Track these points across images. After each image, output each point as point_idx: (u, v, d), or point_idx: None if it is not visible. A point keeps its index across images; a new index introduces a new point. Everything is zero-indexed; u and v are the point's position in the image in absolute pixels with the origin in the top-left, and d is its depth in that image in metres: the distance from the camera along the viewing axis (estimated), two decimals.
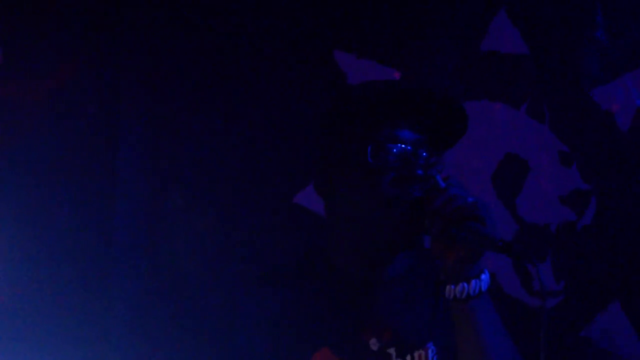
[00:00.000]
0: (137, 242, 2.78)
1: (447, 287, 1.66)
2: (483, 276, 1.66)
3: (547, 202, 2.96)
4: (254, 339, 1.78)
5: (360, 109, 1.79)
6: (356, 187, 1.76)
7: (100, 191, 2.77)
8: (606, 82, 3.00)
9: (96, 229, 2.77)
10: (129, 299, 2.72)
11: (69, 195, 2.79)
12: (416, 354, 1.76)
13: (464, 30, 2.99)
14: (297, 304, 1.79)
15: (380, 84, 1.88)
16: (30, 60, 2.85)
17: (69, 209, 2.78)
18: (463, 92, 2.97)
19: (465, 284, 1.64)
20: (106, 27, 2.88)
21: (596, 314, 2.88)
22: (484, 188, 2.95)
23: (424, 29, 2.98)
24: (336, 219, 1.83)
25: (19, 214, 2.75)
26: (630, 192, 2.92)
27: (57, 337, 2.67)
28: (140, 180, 2.80)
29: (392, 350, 1.75)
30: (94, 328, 2.69)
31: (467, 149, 2.92)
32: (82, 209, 2.77)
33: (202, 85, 2.90)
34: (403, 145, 1.73)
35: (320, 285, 1.81)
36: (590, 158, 2.98)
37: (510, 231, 2.93)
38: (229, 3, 2.93)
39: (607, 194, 2.95)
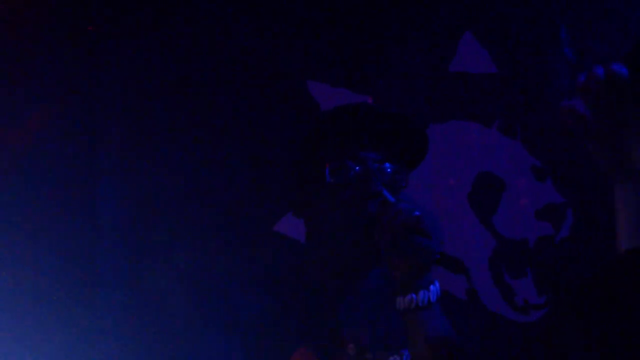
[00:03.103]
0: (120, 276, 2.79)
1: (397, 298, 1.70)
2: (432, 287, 1.70)
3: (523, 217, 3.00)
4: (237, 338, 1.82)
5: (321, 131, 1.86)
6: (321, 206, 1.82)
7: (83, 225, 2.78)
8: (574, 96, 3.05)
9: (80, 264, 2.78)
10: (114, 333, 2.73)
11: (51, 230, 2.80)
12: (392, 359, 1.80)
13: (432, 54, 3.04)
14: (280, 308, 1.84)
15: (339, 108, 1.93)
16: (9, 102, 2.88)
17: (51, 243, 2.80)
18: (435, 114, 3.02)
19: (414, 295, 1.68)
20: (85, 64, 2.90)
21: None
22: (460, 206, 2.99)
23: (393, 55, 3.02)
24: (309, 236, 1.90)
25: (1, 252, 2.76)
26: (605, 202, 2.97)
27: None
28: (122, 215, 2.81)
29: (369, 356, 1.80)
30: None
31: (441, 168, 2.97)
32: (65, 246, 2.78)
33: (180, 117, 2.93)
34: (362, 164, 1.79)
35: (303, 291, 1.86)
36: (563, 171, 3.03)
37: (488, 248, 2.97)
38: (206, 39, 2.97)
39: (583, 206, 3.00)
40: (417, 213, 1.67)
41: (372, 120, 1.84)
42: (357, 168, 1.80)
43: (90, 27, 2.86)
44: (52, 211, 2.74)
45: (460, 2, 3.06)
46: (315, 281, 1.87)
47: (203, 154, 2.89)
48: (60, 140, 2.79)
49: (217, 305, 1.90)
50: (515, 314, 2.92)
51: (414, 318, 1.68)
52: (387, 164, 1.82)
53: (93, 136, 2.81)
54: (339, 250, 1.81)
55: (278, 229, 2.90)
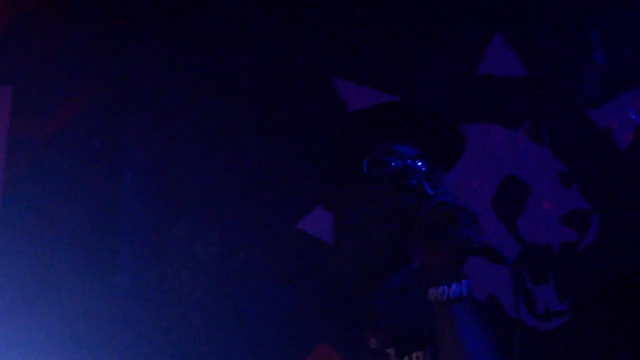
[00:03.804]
0: (142, 272, 2.81)
1: (429, 290, 1.70)
2: (465, 281, 1.70)
3: (548, 222, 2.98)
4: (258, 333, 1.83)
5: (359, 126, 1.87)
6: (356, 200, 1.82)
7: (106, 222, 2.80)
8: (604, 102, 3.03)
9: (102, 259, 2.80)
10: (134, 330, 2.74)
11: (74, 226, 2.83)
12: (414, 356, 1.80)
13: (461, 55, 3.02)
14: (302, 302, 1.84)
15: (379, 104, 1.95)
16: (38, 98, 2.91)
17: (75, 239, 2.82)
18: (462, 116, 3.00)
19: (447, 287, 1.69)
20: (110, 63, 2.92)
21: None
22: (484, 210, 2.97)
23: (422, 56, 3.01)
24: (340, 230, 1.90)
25: (25, 248, 2.79)
26: (631, 210, 2.94)
27: None
28: (145, 210, 2.82)
29: (391, 350, 1.80)
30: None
31: (467, 171, 2.96)
32: (87, 242, 2.81)
33: (206, 115, 2.94)
34: (399, 159, 1.80)
35: (326, 286, 1.87)
36: (590, 178, 3.00)
37: (511, 252, 2.95)
38: (232, 36, 2.97)
39: (609, 213, 2.97)
40: (458, 204, 1.69)
41: (409, 117, 1.86)
42: (394, 163, 1.81)
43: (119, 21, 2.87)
44: (76, 211, 2.77)
45: (491, 4, 3.04)
46: (341, 275, 1.87)
47: (229, 149, 2.89)
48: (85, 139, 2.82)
49: (238, 299, 1.91)
50: (536, 321, 2.90)
51: (444, 311, 1.69)
52: (423, 161, 1.83)
53: (118, 134, 2.82)
54: (370, 244, 1.82)
55: (301, 226, 2.90)
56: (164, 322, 2.73)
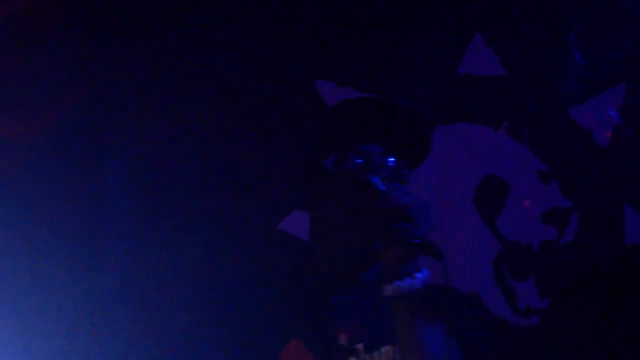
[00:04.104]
0: (127, 274, 2.82)
1: (385, 285, 1.73)
2: (419, 275, 1.73)
3: (528, 220, 3.01)
4: (236, 330, 1.86)
5: (325, 124, 1.90)
6: (324, 199, 1.85)
7: (90, 224, 2.81)
8: (583, 100, 3.05)
9: (87, 261, 2.81)
10: (119, 331, 2.76)
11: (59, 227, 2.83)
12: (384, 349, 1.83)
13: (441, 55, 3.04)
14: (276, 299, 1.88)
15: (343, 102, 1.97)
16: (21, 99, 2.91)
17: (60, 243, 2.83)
18: (443, 116, 3.03)
19: (400, 282, 1.71)
20: (93, 64, 2.92)
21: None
22: (465, 208, 2.99)
23: (402, 56, 3.03)
24: (312, 230, 1.94)
25: (10, 249, 2.80)
26: (610, 207, 2.97)
27: None
28: (129, 212, 2.83)
29: (360, 346, 1.83)
30: None
31: (448, 170, 2.98)
32: (73, 245, 2.81)
33: (190, 116, 2.95)
34: (363, 157, 1.82)
35: (299, 284, 1.90)
36: (569, 175, 3.03)
37: (492, 251, 2.98)
38: (215, 38, 2.98)
39: (588, 210, 3.00)
40: (404, 200, 1.71)
41: (375, 114, 1.88)
42: (359, 160, 1.83)
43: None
44: (60, 217, 2.78)
45: (471, 4, 3.06)
46: (313, 273, 1.90)
47: (213, 151, 2.90)
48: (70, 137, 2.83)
49: (219, 298, 1.94)
50: (517, 318, 2.93)
51: (400, 305, 1.72)
52: (390, 158, 1.85)
53: (101, 136, 2.83)
54: (339, 243, 1.84)
55: (282, 227, 2.92)
56: (148, 323, 2.75)
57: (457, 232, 2.98)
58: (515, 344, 2.88)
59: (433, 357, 1.70)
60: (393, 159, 1.84)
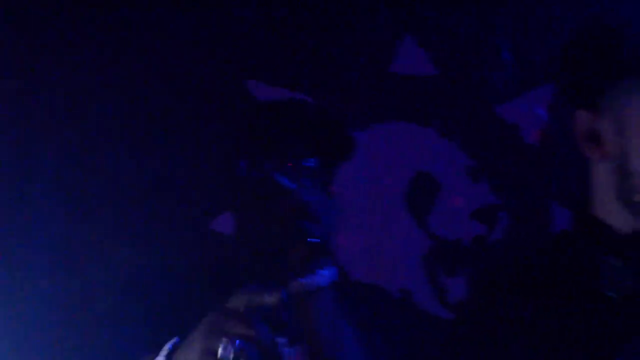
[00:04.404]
0: (55, 276, 2.80)
1: (289, 282, 1.75)
2: (323, 272, 1.76)
3: (458, 217, 3.05)
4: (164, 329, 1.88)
5: (244, 126, 1.92)
6: (241, 198, 1.87)
7: (16, 227, 2.79)
8: (512, 98, 3.10)
9: (14, 264, 2.79)
10: (47, 333, 2.74)
11: None
12: (299, 346, 1.85)
13: (372, 56, 3.07)
14: (199, 298, 1.90)
15: (261, 104, 2.01)
16: None
17: None
18: (373, 114, 3.06)
19: (303, 280, 1.74)
20: (18, 63, 2.90)
21: None
22: (396, 206, 3.03)
23: (333, 57, 3.05)
24: (236, 230, 1.95)
25: None
26: (538, 204, 3.03)
27: None
28: (56, 214, 2.82)
29: (281, 340, 1.86)
30: None
31: (378, 168, 3.01)
32: None
33: (117, 117, 2.94)
34: (279, 158, 1.84)
35: (221, 281, 1.93)
36: (499, 173, 3.08)
37: (423, 247, 3.02)
38: (142, 38, 2.97)
39: (517, 207, 3.06)
40: (306, 198, 1.74)
41: (291, 114, 1.91)
42: (274, 161, 1.85)
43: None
44: None
45: (401, 4, 3.09)
46: (233, 270, 1.94)
47: (143, 152, 2.90)
48: None
49: (142, 298, 1.95)
50: (448, 313, 2.97)
51: (303, 303, 1.74)
52: (307, 159, 1.88)
53: (26, 139, 2.81)
54: (255, 242, 1.86)
55: (215, 227, 2.92)
56: (77, 325, 2.74)
57: (387, 229, 3.01)
58: (446, 339, 2.92)
59: (338, 355, 1.73)
60: (309, 160, 1.87)
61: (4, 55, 2.84)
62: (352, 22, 3.06)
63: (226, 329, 1.54)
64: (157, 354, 1.82)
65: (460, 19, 3.11)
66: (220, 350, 1.47)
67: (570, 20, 3.09)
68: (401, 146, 3.06)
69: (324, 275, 1.77)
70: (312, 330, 1.75)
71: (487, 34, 3.11)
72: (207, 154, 2.90)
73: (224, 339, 1.50)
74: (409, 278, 2.98)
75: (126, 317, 2.29)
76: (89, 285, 2.77)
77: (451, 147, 3.08)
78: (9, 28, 2.87)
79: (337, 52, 3.05)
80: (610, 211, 1.43)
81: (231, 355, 1.46)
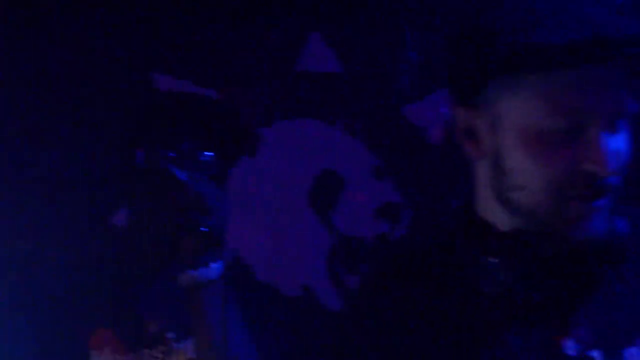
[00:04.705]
0: None
1: (178, 275, 1.76)
2: (213, 265, 1.76)
3: (362, 215, 3.07)
4: (42, 320, 1.87)
5: (141, 119, 1.92)
6: (138, 194, 1.86)
7: None
8: (418, 99, 3.14)
9: None
10: None
11: None
12: (194, 339, 1.86)
13: (278, 52, 3.07)
14: (88, 289, 1.89)
15: (160, 96, 2.01)
16: None
17: None
18: (279, 111, 3.06)
19: (193, 272, 1.75)
20: None
21: None
22: (300, 204, 3.04)
23: (240, 52, 3.05)
24: (130, 223, 1.94)
25: None
26: (440, 203, 3.07)
27: None
28: None
29: (171, 334, 1.86)
30: None
31: (283, 165, 3.02)
32: None
33: (14, 111, 2.88)
34: (175, 151, 1.85)
35: (111, 274, 1.92)
36: (403, 172, 3.11)
37: (326, 245, 3.03)
38: (45, 28, 2.92)
39: (420, 205, 3.09)
40: (199, 190, 1.75)
41: (189, 108, 1.92)
42: (169, 154, 1.85)
43: None
44: None
45: (309, 1, 3.10)
46: (124, 264, 1.93)
47: (39, 147, 2.85)
48: None
49: (29, 289, 1.93)
50: (348, 310, 2.99)
51: (194, 296, 1.75)
52: (203, 152, 1.88)
53: None
54: (148, 235, 1.86)
55: (116, 221, 2.89)
56: None
57: (291, 226, 3.02)
58: (345, 336, 2.94)
59: (228, 348, 1.73)
60: (206, 153, 1.88)
61: None
62: (259, 18, 3.05)
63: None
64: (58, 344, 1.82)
65: (367, 18, 3.13)
66: None
67: (478, 16, 3.14)
68: (306, 143, 3.07)
69: (215, 268, 1.78)
70: (201, 323, 1.75)
71: (393, 34, 3.14)
72: (107, 144, 2.87)
73: None
74: (311, 275, 2.99)
75: (23, 310, 2.26)
76: None
77: (356, 145, 3.10)
78: None
79: (244, 48, 3.05)
80: (490, 209, 1.46)
81: None
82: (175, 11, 3.02)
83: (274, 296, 2.95)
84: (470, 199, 1.55)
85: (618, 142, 1.33)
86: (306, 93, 3.09)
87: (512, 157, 1.35)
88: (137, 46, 2.99)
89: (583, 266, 1.39)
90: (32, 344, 1.96)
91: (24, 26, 2.87)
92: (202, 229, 1.73)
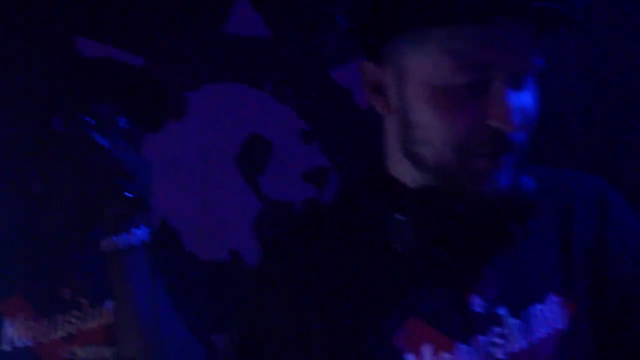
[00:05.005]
0: None
1: (101, 241, 1.75)
2: (137, 231, 1.76)
3: (290, 179, 3.07)
4: None
5: (60, 83, 1.90)
6: (53, 157, 1.84)
7: None
8: (344, 62, 3.13)
9: None
10: None
11: None
12: (109, 304, 1.86)
13: (204, 15, 3.04)
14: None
15: (78, 61, 1.98)
16: None
17: None
18: (208, 74, 3.04)
19: (116, 238, 1.74)
20: None
21: None
22: (228, 168, 3.02)
23: (166, 16, 3.01)
24: (45, 189, 1.92)
25: None
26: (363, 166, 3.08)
27: None
28: None
29: (84, 300, 1.86)
30: None
31: (211, 129, 3.00)
32: None
33: None
34: (93, 116, 1.83)
35: (28, 242, 1.91)
36: (330, 135, 3.12)
37: (254, 209, 3.03)
38: None
39: (347, 169, 3.10)
40: (122, 157, 1.73)
41: (108, 73, 1.90)
42: (89, 120, 1.83)
43: None
44: None
45: None
46: (38, 231, 1.92)
47: None
48: None
49: None
50: None
51: (116, 262, 1.74)
52: (121, 118, 1.86)
53: None
54: (65, 202, 1.84)
55: (33, 188, 2.84)
56: None
57: (220, 191, 3.01)
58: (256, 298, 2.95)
59: (147, 314, 1.73)
60: (125, 120, 1.86)
61: None
62: None
63: None
64: None
65: None
66: None
67: None
68: (233, 108, 3.05)
69: (139, 234, 1.78)
70: (124, 289, 1.74)
71: None
72: (24, 108, 2.82)
73: None
74: (239, 239, 2.99)
75: None
76: None
77: (284, 109, 3.09)
78: None
79: (170, 11, 3.01)
80: (400, 166, 1.45)
81: None
82: None
83: (201, 261, 2.94)
84: (378, 155, 1.54)
85: (523, 99, 1.33)
86: (233, 57, 3.07)
87: (417, 111, 1.34)
88: (60, 9, 2.93)
89: (490, 224, 1.40)
90: None
91: None
92: (126, 194, 1.72)
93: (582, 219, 1.46)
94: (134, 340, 1.74)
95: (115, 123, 1.84)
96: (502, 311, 1.40)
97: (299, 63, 3.11)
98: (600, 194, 1.48)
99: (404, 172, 1.44)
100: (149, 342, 1.73)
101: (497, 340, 1.39)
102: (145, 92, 1.98)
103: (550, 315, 1.40)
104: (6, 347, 1.84)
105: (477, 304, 1.40)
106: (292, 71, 3.11)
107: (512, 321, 1.39)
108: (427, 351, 1.39)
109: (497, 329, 1.39)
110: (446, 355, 1.38)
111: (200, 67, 3.04)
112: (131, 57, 2.96)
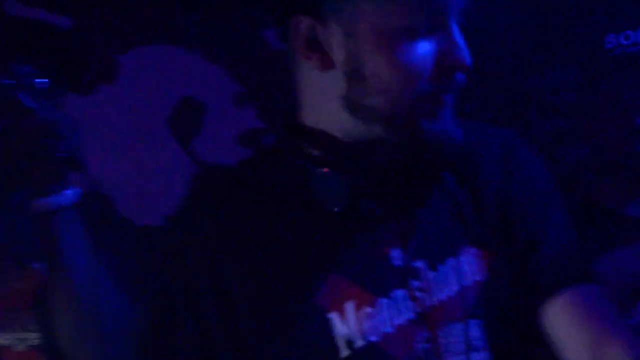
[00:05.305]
0: None
1: (31, 202, 1.73)
2: (67, 192, 1.74)
3: (224, 142, 3.06)
4: None
5: None
6: None
7: None
8: (280, 23, 3.11)
9: None
10: None
11: None
12: (38, 266, 1.85)
13: None
14: None
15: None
16: None
17: None
18: (138, 37, 3.00)
19: (44, 199, 1.72)
20: None
21: None
22: (160, 130, 3.00)
23: None
24: None
25: None
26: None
27: None
28: None
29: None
30: None
31: (143, 92, 2.96)
32: None
33: None
34: (10, 77, 1.80)
35: None
36: (265, 97, 3.10)
37: (187, 173, 3.01)
38: None
39: (281, 132, 3.09)
40: (50, 117, 1.71)
41: (26, 33, 1.87)
42: (8, 81, 1.80)
43: None
44: None
45: None
46: None
47: None
48: None
49: None
50: None
51: (45, 223, 1.72)
52: (41, 79, 1.84)
53: None
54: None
55: None
56: None
57: (152, 155, 2.98)
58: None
59: (78, 275, 1.71)
60: (45, 80, 1.83)
61: None
62: None
63: None
64: None
65: None
66: None
67: None
68: (166, 70, 3.02)
69: (68, 195, 1.76)
70: (54, 250, 1.73)
71: None
72: None
73: None
74: (173, 203, 2.96)
75: None
76: None
77: (218, 71, 3.06)
78: None
79: None
80: (331, 120, 1.41)
81: None
82: None
83: (135, 225, 2.92)
84: (294, 111, 1.52)
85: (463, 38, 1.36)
86: (164, 18, 3.03)
87: (370, 62, 1.33)
88: None
89: (414, 178, 1.40)
90: None
91: None
92: (58, 154, 1.69)
93: (490, 170, 1.46)
94: (67, 304, 1.73)
95: (31, 83, 1.82)
96: (420, 264, 1.40)
97: (232, 24, 3.08)
98: (507, 145, 1.49)
99: (337, 126, 1.41)
100: (83, 307, 1.72)
101: (417, 294, 1.39)
102: (69, 53, 1.95)
103: (468, 268, 1.41)
104: None
105: (397, 257, 1.40)
106: (224, 33, 3.08)
107: (430, 274, 1.40)
108: (349, 308, 1.38)
109: (416, 283, 1.39)
110: (368, 309, 1.38)
111: (130, 28, 2.99)
112: (59, 18, 2.91)
